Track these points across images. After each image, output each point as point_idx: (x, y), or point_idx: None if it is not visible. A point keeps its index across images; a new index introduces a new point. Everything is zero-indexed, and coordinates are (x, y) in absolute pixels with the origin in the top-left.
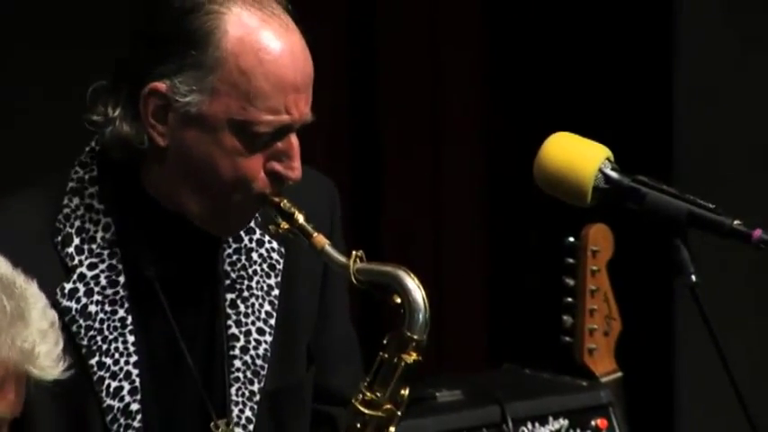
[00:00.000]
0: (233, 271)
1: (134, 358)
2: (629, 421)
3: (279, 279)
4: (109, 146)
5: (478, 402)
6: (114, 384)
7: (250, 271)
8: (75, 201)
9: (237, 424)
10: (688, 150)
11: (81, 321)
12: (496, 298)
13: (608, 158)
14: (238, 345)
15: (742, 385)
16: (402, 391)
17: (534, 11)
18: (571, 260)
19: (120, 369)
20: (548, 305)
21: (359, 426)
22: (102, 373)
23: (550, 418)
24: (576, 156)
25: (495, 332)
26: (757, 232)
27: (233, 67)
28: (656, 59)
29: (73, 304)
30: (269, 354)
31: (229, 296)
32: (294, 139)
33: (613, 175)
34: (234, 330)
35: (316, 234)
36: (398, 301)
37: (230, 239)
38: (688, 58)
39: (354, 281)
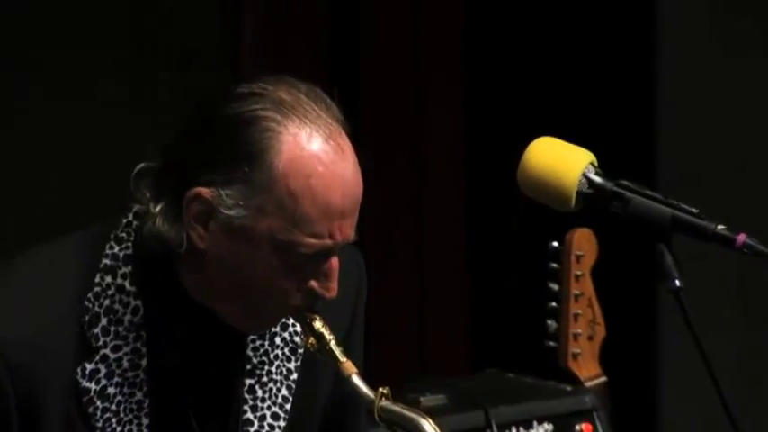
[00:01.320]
0: (255, 356)
1: None
2: (614, 426)
3: (299, 363)
4: (147, 238)
5: (463, 407)
6: None
7: (272, 356)
8: (108, 279)
9: None
10: (672, 155)
11: (98, 403)
12: (480, 302)
13: (591, 163)
14: (252, 429)
15: (726, 389)
16: None
17: (517, 16)
18: (555, 265)
19: None
20: (531, 310)
21: None
22: None
23: (535, 423)
24: (560, 160)
25: (478, 337)
26: (741, 237)
27: (282, 188)
28: (640, 64)
29: (93, 386)
30: None
31: (248, 381)
32: (335, 260)
33: (597, 179)
34: (249, 415)
35: (344, 360)
36: None
37: None
38: (671, 62)
39: (377, 417)
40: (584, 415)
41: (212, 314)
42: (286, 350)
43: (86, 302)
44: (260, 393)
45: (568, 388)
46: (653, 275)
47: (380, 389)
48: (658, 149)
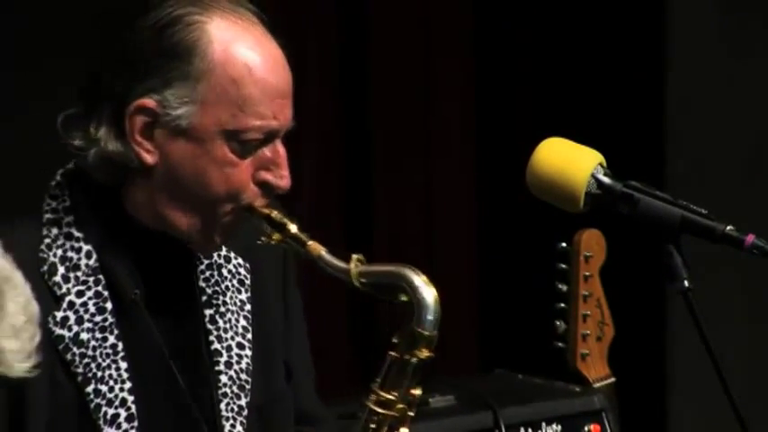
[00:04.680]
0: (208, 287)
1: (128, 385)
2: (622, 427)
3: (249, 294)
4: (94, 167)
5: (471, 408)
6: (111, 412)
7: (223, 286)
8: (54, 230)
9: None
10: (680, 156)
11: (75, 349)
12: (489, 303)
13: (600, 164)
14: (222, 360)
15: (734, 390)
16: (413, 391)
17: (526, 18)
18: (564, 265)
19: (116, 396)
20: (540, 310)
21: (373, 427)
22: (98, 400)
23: (543, 424)
24: (569, 161)
25: (487, 337)
26: (750, 238)
27: (221, 75)
28: (648, 64)
29: (65, 332)
30: (251, 368)
31: (208, 312)
32: (281, 147)
33: (606, 180)
34: (216, 346)
35: (310, 242)
36: (405, 299)
37: (201, 256)
38: (680, 62)
39: (358, 284)
40: (593, 416)
41: (163, 240)
42: (234, 282)
43: (41, 254)
44: (221, 323)
45: (577, 389)
46: (662, 276)
47: (354, 255)
48: (667, 150)
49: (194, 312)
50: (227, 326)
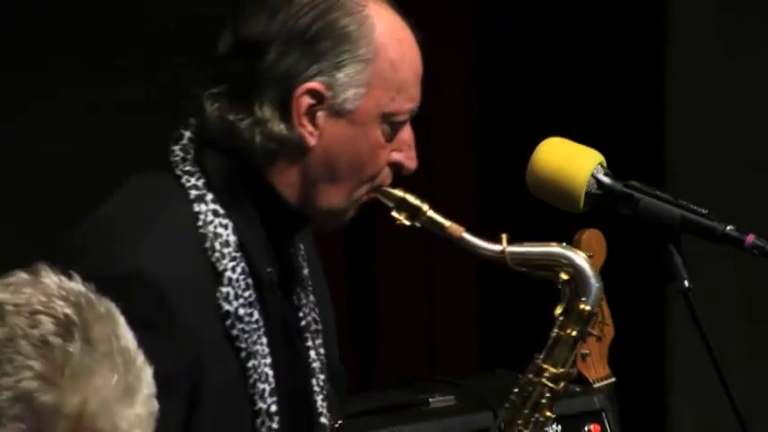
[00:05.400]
0: (298, 269)
1: (269, 360)
2: (622, 427)
3: (307, 270)
4: (258, 146)
5: (472, 408)
6: (261, 386)
7: (298, 262)
8: (203, 207)
9: (323, 414)
10: (680, 155)
11: (237, 324)
12: (489, 302)
13: (600, 164)
14: (309, 335)
15: (735, 390)
16: (572, 369)
17: (526, 17)
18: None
19: (263, 371)
20: (540, 310)
21: (543, 402)
22: (255, 375)
23: None
24: (569, 161)
25: (488, 337)
26: (750, 238)
27: (384, 59)
28: (648, 64)
29: (230, 308)
30: (323, 342)
31: (296, 288)
32: (410, 128)
33: (606, 180)
34: (303, 321)
35: (449, 223)
36: (565, 277)
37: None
38: (680, 62)
39: (510, 265)
40: (593, 416)
41: (294, 219)
42: (299, 258)
43: (200, 230)
44: (303, 299)
45: (577, 389)
46: (662, 276)
47: (503, 235)
48: (667, 150)
49: (292, 288)
50: (305, 301)
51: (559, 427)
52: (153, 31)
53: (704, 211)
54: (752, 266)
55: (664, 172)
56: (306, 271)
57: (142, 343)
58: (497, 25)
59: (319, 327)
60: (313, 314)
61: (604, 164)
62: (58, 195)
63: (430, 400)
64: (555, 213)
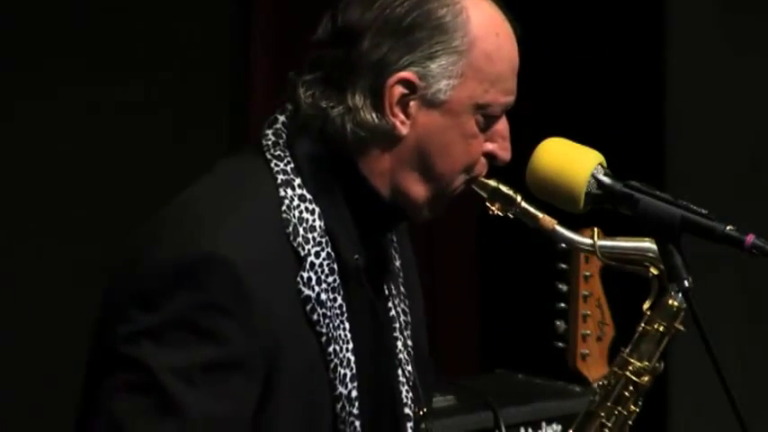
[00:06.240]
0: (389, 261)
1: (351, 345)
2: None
3: (399, 262)
4: (349, 134)
5: (472, 408)
6: (342, 371)
7: (389, 253)
8: (289, 191)
9: (407, 405)
10: (681, 155)
11: (318, 309)
12: (489, 303)
13: (600, 164)
14: (396, 326)
15: (735, 390)
16: (658, 365)
17: (526, 17)
18: (564, 265)
19: (344, 356)
20: (540, 310)
21: (626, 395)
22: (336, 360)
23: (543, 424)
24: (569, 161)
25: (487, 337)
26: (750, 238)
27: (479, 51)
28: (648, 63)
29: (311, 293)
30: (411, 333)
31: (392, 285)
32: (506, 120)
33: (606, 180)
34: (392, 312)
35: (542, 215)
36: (655, 272)
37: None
38: (680, 61)
39: (601, 258)
40: None
41: (385, 208)
42: (392, 249)
43: (284, 215)
44: (393, 290)
45: (577, 389)
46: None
47: (595, 228)
48: (667, 150)
49: (382, 278)
50: (395, 292)
51: (559, 426)
52: (153, 32)
53: (704, 211)
54: (752, 266)
55: (664, 172)
56: (398, 263)
57: (214, 324)
58: None
59: (408, 318)
60: (402, 305)
61: (604, 164)
62: (57, 195)
63: None
64: (555, 213)
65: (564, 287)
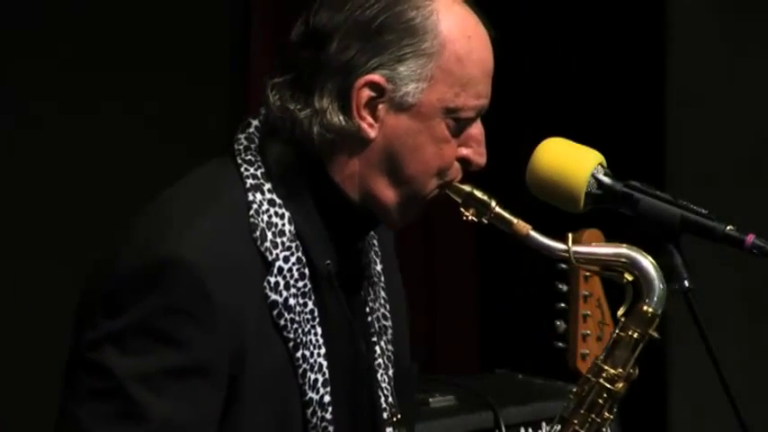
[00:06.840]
0: (366, 265)
1: (323, 350)
2: (622, 427)
3: (382, 266)
4: (316, 136)
5: (472, 408)
6: (312, 376)
7: (369, 257)
8: (258, 196)
9: (385, 410)
10: (681, 155)
11: (286, 314)
12: (489, 303)
13: (600, 164)
14: (374, 331)
15: (735, 391)
16: (633, 371)
17: (526, 17)
18: (564, 265)
19: (315, 361)
20: (540, 310)
21: (600, 402)
22: (305, 365)
23: (543, 424)
24: (569, 161)
25: (487, 337)
26: (750, 238)
27: (449, 54)
28: (649, 64)
29: (278, 297)
30: (391, 339)
31: (364, 282)
32: (480, 124)
33: (606, 180)
34: (370, 317)
35: (516, 220)
36: (629, 278)
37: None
38: (680, 62)
39: (575, 263)
40: None
41: (355, 213)
42: (372, 253)
43: (251, 219)
44: (372, 294)
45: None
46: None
47: (569, 234)
48: (668, 150)
49: (358, 283)
50: (375, 296)
51: (559, 426)
52: (153, 32)
53: (704, 211)
54: (752, 266)
55: (664, 172)
56: (379, 267)
57: (176, 328)
58: (496, 25)
59: (388, 323)
60: (382, 310)
61: (604, 164)
62: (57, 195)
63: (430, 399)
64: (555, 213)
65: (564, 287)
